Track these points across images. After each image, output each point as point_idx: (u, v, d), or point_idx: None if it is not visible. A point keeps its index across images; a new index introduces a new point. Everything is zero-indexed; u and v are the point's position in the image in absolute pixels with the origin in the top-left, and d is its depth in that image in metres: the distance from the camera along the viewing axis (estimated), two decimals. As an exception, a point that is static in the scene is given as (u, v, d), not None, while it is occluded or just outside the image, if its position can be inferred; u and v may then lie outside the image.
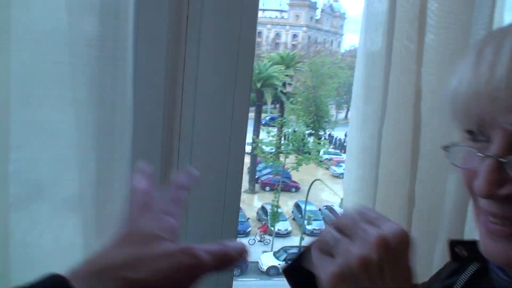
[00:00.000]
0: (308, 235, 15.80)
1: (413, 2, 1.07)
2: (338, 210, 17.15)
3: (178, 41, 0.96)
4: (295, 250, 15.14)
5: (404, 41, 1.09)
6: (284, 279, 0.62)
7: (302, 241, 15.29)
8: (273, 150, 18.55)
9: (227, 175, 1.04)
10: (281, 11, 32.62)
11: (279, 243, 15.49)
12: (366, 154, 1.18)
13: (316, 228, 16.10)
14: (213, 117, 1.00)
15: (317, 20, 32.68)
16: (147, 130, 0.96)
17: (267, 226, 15.88)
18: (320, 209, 17.29)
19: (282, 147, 18.65)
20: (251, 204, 17.74)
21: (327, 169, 20.57)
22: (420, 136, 1.13)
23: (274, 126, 19.52)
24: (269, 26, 30.96)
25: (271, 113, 22.89)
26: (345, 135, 28.85)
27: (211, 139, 1.02)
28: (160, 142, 0.99)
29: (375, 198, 1.17)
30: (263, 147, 18.25)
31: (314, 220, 16.21)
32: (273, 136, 18.62)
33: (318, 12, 33.03)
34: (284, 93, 22.01)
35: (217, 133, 1.02)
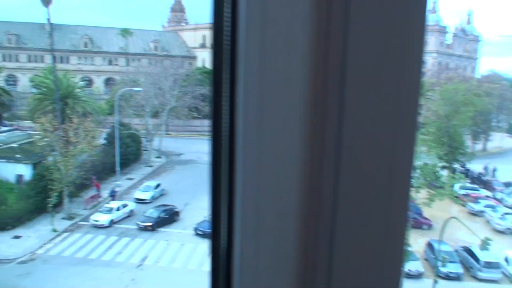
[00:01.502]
0: (443, 278, 14.40)
1: None
2: (478, 252, 15.36)
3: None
4: (427, 294, 13.87)
5: None
6: None
7: (436, 285, 13.96)
8: (402, 184, 17.58)
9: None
10: (408, 38, 31.34)
11: (409, 285, 14.37)
12: None
13: (452, 271, 14.59)
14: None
15: (448, 45, 30.83)
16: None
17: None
18: (456, 250, 15.74)
19: (412, 180, 17.59)
20: (378, 240, 16.89)
21: (464, 205, 18.90)
22: None
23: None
24: (395, 55, 29.93)
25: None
26: (484, 169, 26.20)
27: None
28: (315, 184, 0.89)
29: None
30: (390, 180, 17.36)
31: (450, 262, 14.68)
32: (401, 169, 17.67)
33: (449, 36, 31.13)
34: (413, 124, 20.92)
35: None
